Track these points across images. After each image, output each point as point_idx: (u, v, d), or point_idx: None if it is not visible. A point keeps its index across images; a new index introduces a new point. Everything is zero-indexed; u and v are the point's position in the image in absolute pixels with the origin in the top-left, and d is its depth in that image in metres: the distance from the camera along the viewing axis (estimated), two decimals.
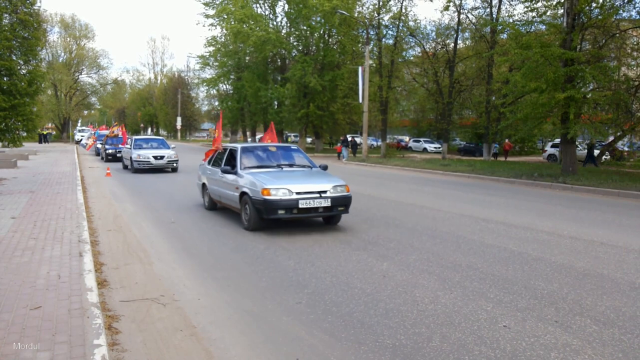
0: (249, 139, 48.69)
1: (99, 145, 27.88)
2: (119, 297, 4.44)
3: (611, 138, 24.75)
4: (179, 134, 65.77)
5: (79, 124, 61.31)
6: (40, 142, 42.27)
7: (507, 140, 28.64)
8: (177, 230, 7.50)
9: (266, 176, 7.44)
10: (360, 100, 26.17)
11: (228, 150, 8.97)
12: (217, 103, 52.67)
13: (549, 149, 29.29)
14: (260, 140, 12.51)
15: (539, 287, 4.82)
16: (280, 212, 6.91)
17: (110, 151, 23.30)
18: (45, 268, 4.83)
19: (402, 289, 4.71)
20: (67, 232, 6.47)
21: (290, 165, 8.40)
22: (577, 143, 18.54)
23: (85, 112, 73.03)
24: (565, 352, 3.41)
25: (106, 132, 35.70)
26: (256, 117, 41.40)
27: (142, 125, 75.67)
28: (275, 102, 35.81)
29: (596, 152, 25.10)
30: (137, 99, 78.97)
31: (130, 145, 18.44)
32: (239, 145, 8.74)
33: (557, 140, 23.81)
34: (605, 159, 26.09)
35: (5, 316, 3.61)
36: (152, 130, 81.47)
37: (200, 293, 4.62)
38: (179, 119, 59.56)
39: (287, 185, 7.06)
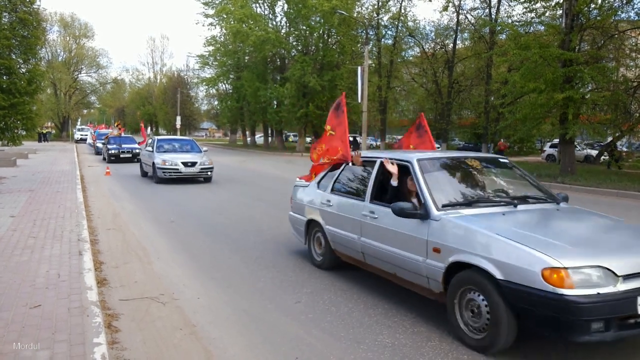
0: (248, 139, 48.63)
1: (99, 145, 27.31)
2: (119, 295, 4.45)
3: (610, 138, 24.80)
4: (178, 133, 65.71)
5: (79, 123, 61.08)
6: (39, 141, 42.21)
7: (502, 140, 28.76)
8: (177, 230, 7.50)
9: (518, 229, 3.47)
10: (360, 100, 26.19)
11: (380, 166, 4.67)
12: (216, 102, 52.67)
13: (548, 149, 29.34)
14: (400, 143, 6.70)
15: None
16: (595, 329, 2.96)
17: (113, 151, 21.50)
18: (45, 267, 4.83)
19: (402, 288, 4.71)
20: (66, 231, 6.47)
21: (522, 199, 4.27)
22: (575, 143, 18.58)
23: (85, 111, 72.92)
24: (566, 352, 3.42)
25: (106, 131, 35.36)
26: (255, 117, 41.38)
27: (141, 124, 75.56)
28: (275, 102, 35.79)
29: (594, 152, 25.18)
30: (137, 98, 78.85)
31: (152, 148, 14.48)
32: (415, 156, 4.41)
33: (556, 141, 23.87)
34: (604, 159, 26.14)
35: (4, 315, 3.62)
36: (151, 130, 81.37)
37: (200, 292, 4.63)
38: (178, 118, 59.43)
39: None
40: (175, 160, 13.60)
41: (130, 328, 3.74)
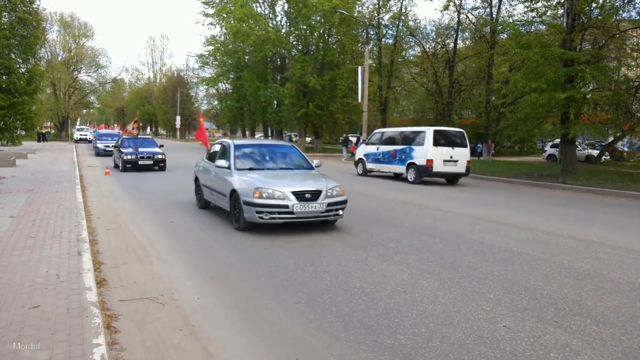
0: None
1: (99, 145, 26.51)
2: (118, 296, 4.43)
3: (611, 138, 24.79)
4: (178, 133, 65.73)
5: (78, 123, 61.13)
6: (39, 140, 42.18)
7: (489, 141, 29.11)
8: (177, 230, 7.48)
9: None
10: (360, 100, 26.19)
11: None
12: (216, 102, 52.68)
13: (549, 149, 29.34)
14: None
15: (538, 287, 4.81)
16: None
17: (129, 157, 17.05)
18: (44, 267, 4.81)
19: (402, 289, 4.70)
20: (66, 231, 6.45)
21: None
22: (576, 143, 18.55)
23: (84, 110, 72.94)
24: (565, 353, 3.40)
25: (108, 131, 34.60)
26: (255, 117, 41.39)
27: (140, 124, 75.56)
28: (275, 102, 35.79)
29: (595, 152, 25.13)
30: (136, 97, 78.95)
31: (227, 158, 8.16)
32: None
33: (557, 141, 23.85)
34: (605, 159, 26.12)
35: (4, 315, 3.60)
36: (151, 129, 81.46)
37: (200, 292, 4.61)
38: (178, 118, 59.53)
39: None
40: (281, 189, 7.01)
41: (129, 329, 3.72)
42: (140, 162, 17.17)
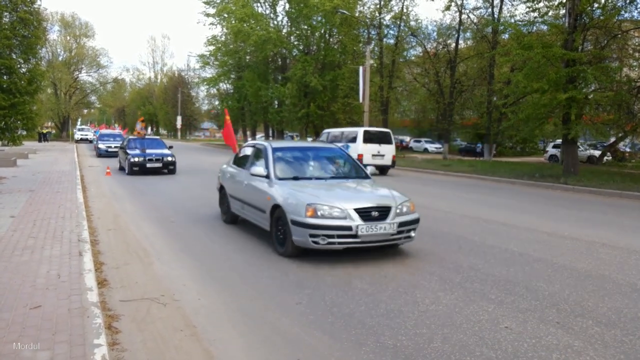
0: (249, 139, 48.61)
1: (101, 146, 25.48)
2: (119, 296, 4.42)
3: (613, 139, 24.74)
4: (179, 133, 65.77)
5: (79, 123, 61.18)
6: (39, 140, 42.23)
7: (483, 144, 29.37)
8: (177, 230, 7.48)
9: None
10: (361, 100, 26.15)
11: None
12: (217, 102, 52.72)
13: (551, 150, 29.30)
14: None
15: (540, 288, 4.80)
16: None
17: (136, 159, 15.72)
18: (45, 267, 4.81)
19: (403, 290, 4.69)
20: (66, 231, 6.45)
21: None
22: (578, 144, 18.53)
23: (85, 110, 73.02)
24: (567, 354, 3.39)
25: (108, 131, 33.98)
26: (256, 117, 41.38)
27: (144, 124, 75.70)
28: (276, 102, 35.80)
29: (597, 152, 25.09)
30: (137, 98, 79.05)
31: (268, 170, 6.53)
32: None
33: (559, 141, 23.81)
34: (607, 159, 26.08)
35: (4, 315, 3.59)
36: (152, 129, 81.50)
37: (201, 293, 4.61)
38: (179, 118, 59.58)
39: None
40: (340, 205, 5.52)
41: (130, 329, 3.72)
42: (148, 165, 15.80)
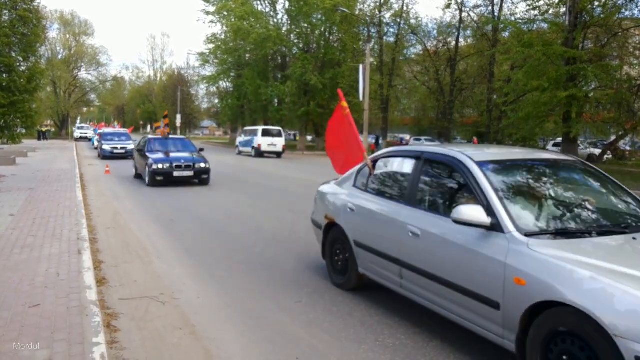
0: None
1: (106, 147, 22.46)
2: (118, 295, 4.41)
3: (613, 137, 24.72)
4: (178, 132, 65.70)
5: (78, 121, 61.12)
6: (39, 139, 42.20)
7: (475, 138, 29.87)
8: (177, 229, 7.47)
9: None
10: (361, 99, 26.13)
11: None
12: (217, 101, 52.67)
13: (551, 148, 29.29)
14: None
15: None
16: None
17: (159, 166, 12.27)
18: (44, 266, 4.80)
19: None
20: (66, 230, 6.44)
21: None
22: (578, 142, 18.51)
23: (85, 109, 73.01)
24: None
25: (112, 130, 29.44)
26: (256, 115, 41.34)
27: (141, 122, 75.71)
28: (276, 100, 35.77)
29: (597, 151, 25.06)
30: (137, 96, 78.94)
31: (498, 216, 3.03)
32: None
33: (559, 139, 23.79)
34: (607, 158, 26.07)
35: (3, 314, 3.58)
36: (151, 128, 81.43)
37: (200, 292, 4.59)
38: (178, 117, 59.44)
39: None
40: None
41: (129, 328, 3.71)
42: (175, 174, 12.31)
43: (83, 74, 59.88)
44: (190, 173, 12.50)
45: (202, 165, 12.71)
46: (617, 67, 17.58)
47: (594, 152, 26.89)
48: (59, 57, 56.09)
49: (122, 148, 22.16)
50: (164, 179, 12.34)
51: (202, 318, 3.95)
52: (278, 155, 26.07)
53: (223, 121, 56.03)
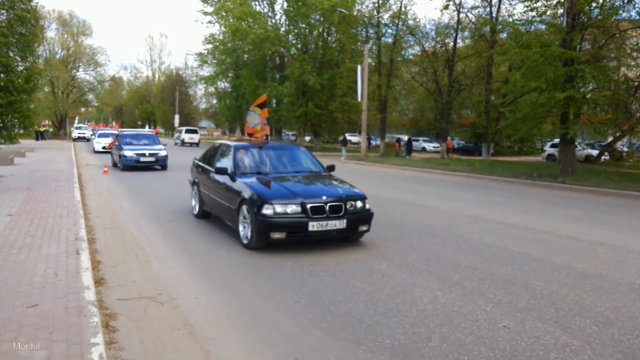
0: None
1: (128, 153, 16.81)
2: (116, 295, 4.41)
3: (610, 138, 24.80)
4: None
5: (76, 121, 60.95)
6: (36, 139, 42.09)
7: (449, 139, 30.62)
8: (175, 229, 7.46)
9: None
10: (359, 99, 26.15)
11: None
12: (215, 101, 52.61)
13: (548, 149, 29.34)
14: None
15: (538, 287, 4.80)
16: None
17: (285, 209, 5.87)
18: (42, 266, 4.79)
19: (401, 289, 4.69)
20: (64, 230, 6.43)
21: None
22: (576, 143, 18.56)
23: (83, 109, 72.79)
24: (565, 353, 3.39)
25: (132, 130, 23.25)
26: None
27: (139, 122, 75.59)
28: (274, 101, 35.73)
29: (594, 152, 25.14)
30: (135, 96, 78.79)
31: None
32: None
33: (557, 140, 23.85)
34: (604, 159, 26.14)
35: (1, 314, 3.58)
36: (149, 127, 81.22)
37: (198, 292, 4.59)
38: (176, 117, 59.42)
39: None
40: None
41: (128, 328, 3.71)
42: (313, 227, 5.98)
43: (81, 74, 59.75)
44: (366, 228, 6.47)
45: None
46: (615, 68, 17.59)
47: (591, 153, 26.97)
48: (57, 57, 55.92)
49: (150, 155, 16.88)
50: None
51: (200, 318, 3.95)
52: (197, 145, 38.14)
53: (221, 121, 55.98)
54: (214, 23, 36.34)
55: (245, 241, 6.20)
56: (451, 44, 29.28)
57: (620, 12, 17.32)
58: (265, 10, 35.78)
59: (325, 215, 5.91)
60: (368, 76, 26.54)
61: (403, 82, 34.31)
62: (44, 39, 46.01)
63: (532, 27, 20.15)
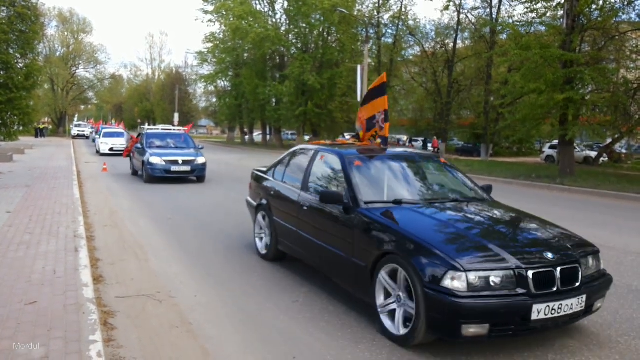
0: (247, 137, 48.46)
1: (155, 160, 13.13)
2: (115, 293, 4.41)
3: (609, 140, 24.84)
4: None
5: (76, 119, 60.87)
6: (36, 136, 42.03)
7: (434, 138, 30.61)
8: (174, 227, 7.46)
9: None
10: (359, 99, 26.13)
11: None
12: (214, 99, 52.62)
13: (547, 150, 29.40)
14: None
15: None
16: None
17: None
18: (41, 263, 4.79)
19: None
20: (62, 227, 6.42)
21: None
22: (575, 145, 18.59)
23: (82, 107, 72.71)
24: (562, 354, 3.40)
25: (157, 129, 18.02)
26: (254, 114, 41.32)
27: (139, 120, 75.48)
28: (274, 100, 35.75)
29: (593, 153, 25.19)
30: (135, 94, 78.62)
31: None
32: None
33: (555, 142, 23.89)
34: (603, 160, 26.19)
35: (0, 311, 3.58)
36: (149, 124, 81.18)
37: (197, 290, 4.60)
38: (176, 115, 59.34)
39: None
40: None
41: (126, 326, 3.71)
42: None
43: (81, 72, 59.69)
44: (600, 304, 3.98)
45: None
46: (614, 70, 17.62)
47: (590, 154, 27.02)
48: (57, 54, 55.85)
49: (185, 162, 12.97)
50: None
51: (199, 316, 3.95)
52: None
53: (221, 120, 55.94)
54: (214, 22, 36.38)
55: (397, 331, 3.47)
56: (451, 44, 29.33)
57: (620, 14, 17.35)
58: (266, 9, 35.81)
59: (555, 290, 3.27)
60: (368, 76, 26.55)
61: (403, 83, 34.36)
62: (44, 36, 45.97)
63: (532, 28, 20.17)
